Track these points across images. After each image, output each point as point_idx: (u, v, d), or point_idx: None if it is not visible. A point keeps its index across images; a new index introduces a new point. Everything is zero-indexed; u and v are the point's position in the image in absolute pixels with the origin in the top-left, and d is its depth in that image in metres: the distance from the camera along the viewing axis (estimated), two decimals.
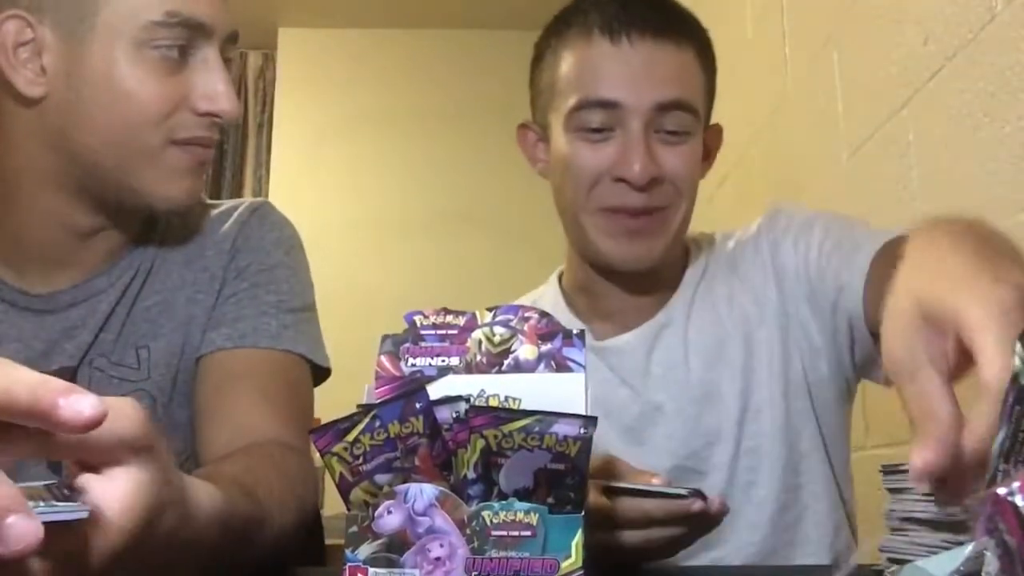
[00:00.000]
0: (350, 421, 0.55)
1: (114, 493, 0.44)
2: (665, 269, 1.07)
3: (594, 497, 0.75)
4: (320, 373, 0.99)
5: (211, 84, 0.86)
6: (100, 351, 0.92)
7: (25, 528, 0.37)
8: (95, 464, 0.45)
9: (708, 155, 1.08)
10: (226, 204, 1.02)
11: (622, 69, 0.98)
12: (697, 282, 1.10)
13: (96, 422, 0.40)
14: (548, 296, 1.15)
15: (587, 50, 0.99)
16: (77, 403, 0.39)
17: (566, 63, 1.01)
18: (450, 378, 0.59)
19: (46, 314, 0.92)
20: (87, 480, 0.44)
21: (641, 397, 1.05)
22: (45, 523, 0.38)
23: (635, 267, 1.04)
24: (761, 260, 1.07)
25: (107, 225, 0.92)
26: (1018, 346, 0.43)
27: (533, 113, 1.10)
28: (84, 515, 0.42)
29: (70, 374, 0.91)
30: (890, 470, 0.68)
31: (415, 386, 0.56)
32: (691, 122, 1.00)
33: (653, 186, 0.98)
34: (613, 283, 1.07)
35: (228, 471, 0.71)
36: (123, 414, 0.44)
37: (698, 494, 0.73)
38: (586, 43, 1.00)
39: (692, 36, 1.03)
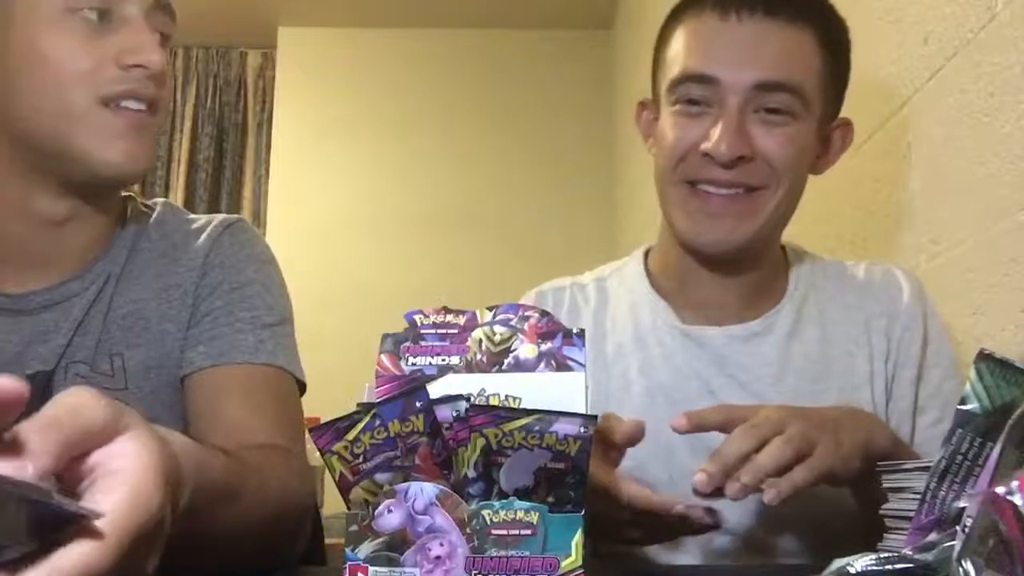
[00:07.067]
0: (350, 420, 0.55)
1: (123, 451, 0.44)
2: (756, 263, 1.04)
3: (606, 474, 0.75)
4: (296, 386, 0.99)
5: (134, 38, 0.86)
6: (79, 356, 0.92)
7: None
8: (82, 472, 0.44)
9: (829, 150, 1.04)
10: (202, 219, 1.02)
11: (725, 45, 0.96)
12: (804, 297, 1.05)
13: (18, 398, 0.39)
14: (631, 270, 1.12)
15: (697, 25, 0.99)
16: None
17: (677, 40, 1.01)
18: (450, 377, 0.59)
19: (20, 315, 0.91)
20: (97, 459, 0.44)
21: (715, 396, 0.99)
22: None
23: (714, 249, 1.00)
24: (892, 336, 1.02)
25: (76, 212, 0.91)
26: (971, 371, 0.47)
27: (653, 92, 1.08)
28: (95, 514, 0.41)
29: (46, 378, 0.90)
30: (889, 470, 0.68)
31: (415, 385, 0.56)
32: (796, 104, 0.96)
33: (741, 163, 0.95)
34: (702, 267, 1.04)
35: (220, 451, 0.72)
36: (75, 407, 0.43)
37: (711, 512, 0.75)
38: (697, 19, 0.99)
39: (811, 15, 0.98)
